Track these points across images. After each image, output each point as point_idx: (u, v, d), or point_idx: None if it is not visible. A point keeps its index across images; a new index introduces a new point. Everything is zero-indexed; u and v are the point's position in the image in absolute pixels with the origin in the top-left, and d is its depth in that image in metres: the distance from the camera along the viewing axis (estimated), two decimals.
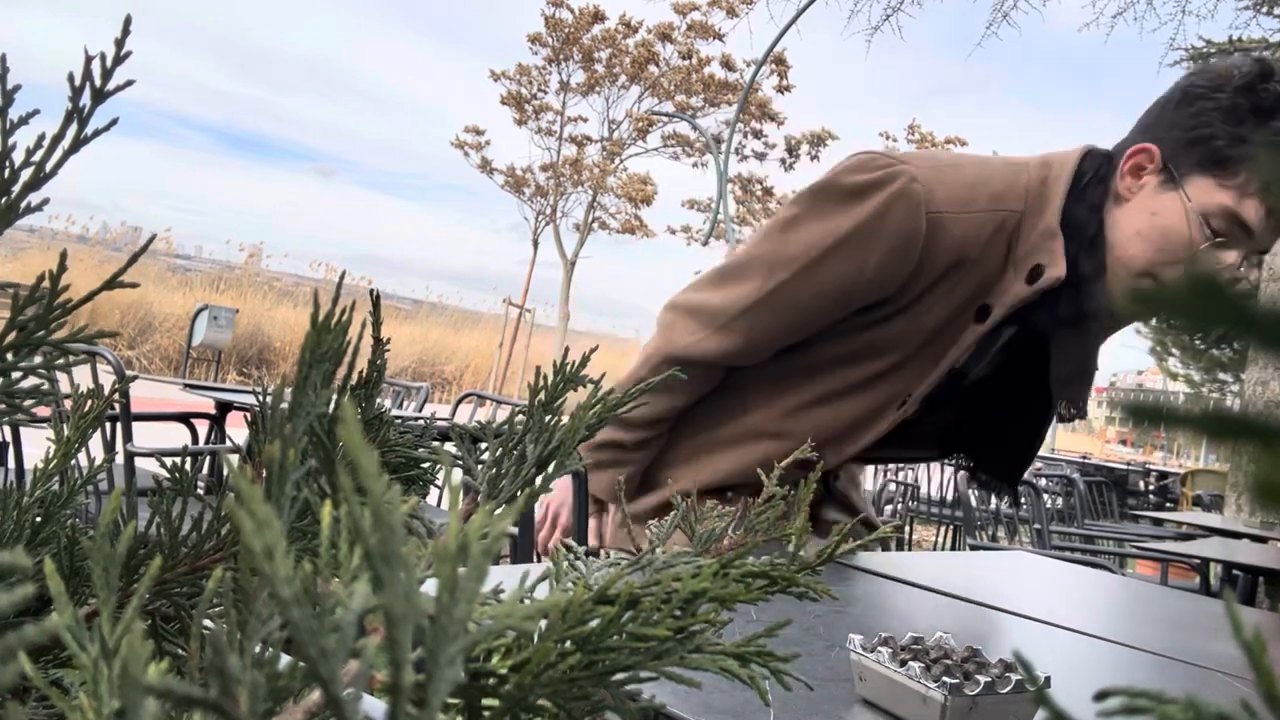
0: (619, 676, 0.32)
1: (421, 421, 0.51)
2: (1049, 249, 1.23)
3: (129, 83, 0.39)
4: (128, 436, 2.61)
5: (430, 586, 0.21)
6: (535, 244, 17.15)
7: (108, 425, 2.65)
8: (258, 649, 0.28)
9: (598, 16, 16.10)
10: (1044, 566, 1.62)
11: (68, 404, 0.49)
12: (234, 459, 0.33)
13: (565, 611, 0.32)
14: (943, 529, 6.15)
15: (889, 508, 6.01)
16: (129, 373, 4.05)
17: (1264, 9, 7.70)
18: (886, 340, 1.31)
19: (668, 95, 16.82)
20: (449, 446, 0.44)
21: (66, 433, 0.48)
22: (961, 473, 2.25)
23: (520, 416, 0.46)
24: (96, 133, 0.38)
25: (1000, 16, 8.10)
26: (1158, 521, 4.94)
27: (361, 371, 0.43)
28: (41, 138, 0.38)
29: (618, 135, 17.15)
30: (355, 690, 0.20)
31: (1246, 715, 0.20)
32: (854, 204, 1.24)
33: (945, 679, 0.60)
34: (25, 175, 0.37)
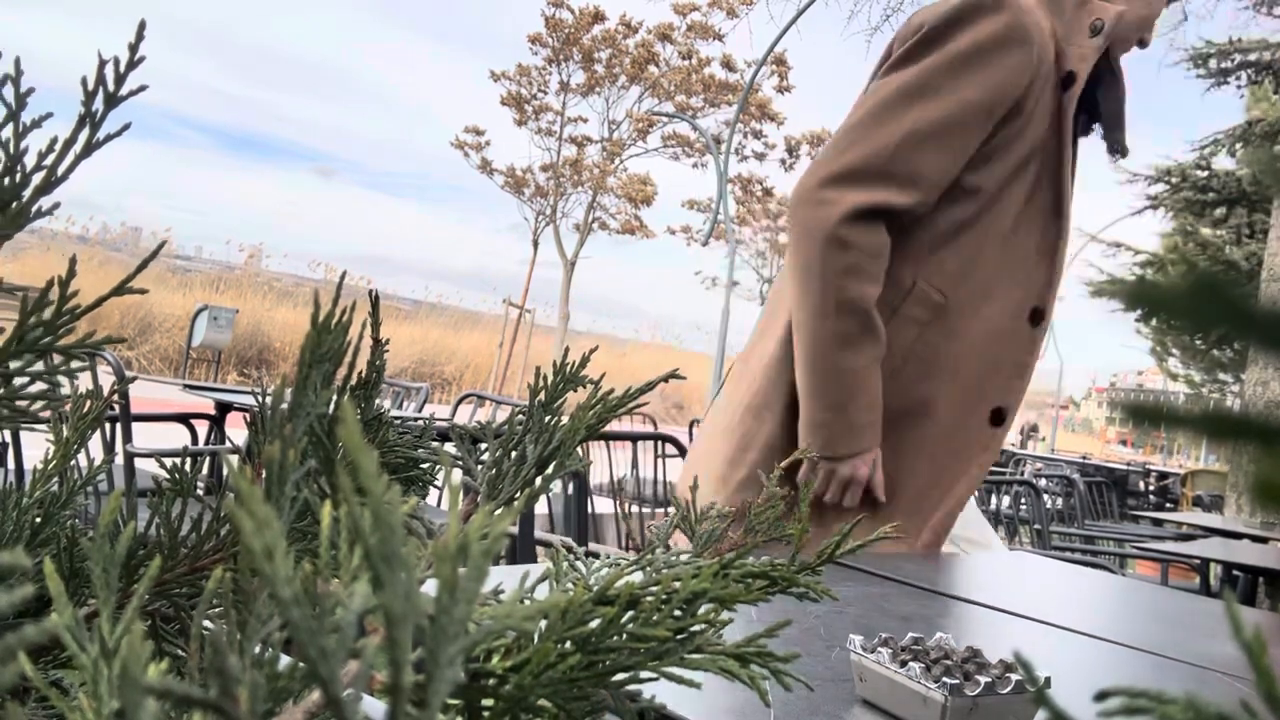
0: (619, 677, 0.32)
1: (421, 422, 0.51)
2: (1091, 6, 1.48)
3: (142, 88, 0.38)
4: (127, 437, 2.61)
5: (430, 587, 0.21)
6: (535, 244, 17.16)
7: (107, 426, 2.65)
8: (258, 649, 0.28)
9: (598, 17, 16.10)
10: (1044, 566, 1.62)
11: (67, 405, 0.49)
12: (234, 459, 0.33)
13: (565, 612, 0.32)
14: None
15: None
16: (129, 373, 4.05)
17: (1264, 9, 7.71)
18: (1026, 155, 1.44)
19: (668, 95, 16.82)
20: (449, 447, 0.44)
21: (66, 433, 0.48)
22: None
23: (520, 417, 0.46)
24: (109, 137, 0.38)
25: None
26: (1158, 522, 4.94)
27: (360, 372, 0.43)
28: (54, 141, 0.37)
29: (618, 135, 17.15)
30: (355, 691, 0.20)
31: (1246, 715, 0.20)
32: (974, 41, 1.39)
33: (945, 679, 0.60)
34: (37, 179, 0.37)
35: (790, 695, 0.63)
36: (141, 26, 0.38)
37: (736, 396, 1.53)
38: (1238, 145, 9.87)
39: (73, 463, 0.47)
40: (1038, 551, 3.04)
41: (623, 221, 17.44)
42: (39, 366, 0.39)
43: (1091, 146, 1.64)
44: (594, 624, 0.32)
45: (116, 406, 2.60)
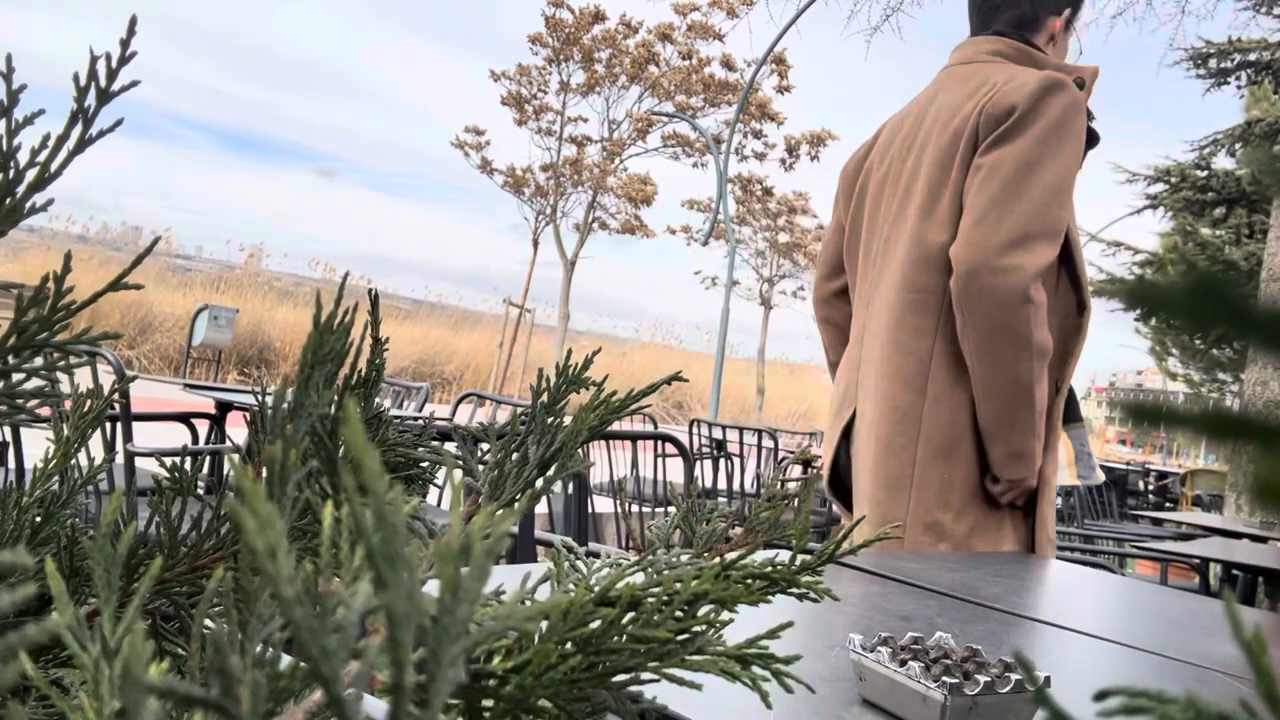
0: (620, 678, 0.32)
1: (421, 421, 0.51)
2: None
3: (134, 83, 0.38)
4: (128, 436, 2.61)
5: (432, 587, 0.21)
6: (535, 244, 17.15)
7: (108, 425, 2.65)
8: (259, 649, 0.28)
9: (598, 17, 16.10)
10: (1044, 566, 1.62)
11: (68, 404, 0.49)
12: (236, 458, 0.33)
13: (566, 613, 0.32)
14: None
15: None
16: (129, 373, 4.04)
17: (1264, 9, 7.71)
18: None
19: (668, 95, 16.82)
20: (450, 447, 0.44)
21: (66, 433, 0.48)
22: None
23: (523, 418, 0.46)
24: (101, 133, 0.38)
25: None
26: (1157, 521, 4.94)
27: (361, 371, 0.43)
28: (46, 138, 0.37)
29: (618, 135, 17.14)
30: (356, 690, 0.20)
31: (1246, 715, 0.20)
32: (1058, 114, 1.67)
33: (945, 679, 0.60)
34: (30, 176, 0.37)
35: (791, 695, 0.63)
36: (133, 22, 0.38)
37: (897, 443, 1.72)
38: (1237, 145, 9.87)
39: (73, 462, 0.47)
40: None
41: (623, 221, 17.43)
42: (38, 363, 0.39)
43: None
44: (595, 625, 0.32)
45: (117, 406, 2.60)
